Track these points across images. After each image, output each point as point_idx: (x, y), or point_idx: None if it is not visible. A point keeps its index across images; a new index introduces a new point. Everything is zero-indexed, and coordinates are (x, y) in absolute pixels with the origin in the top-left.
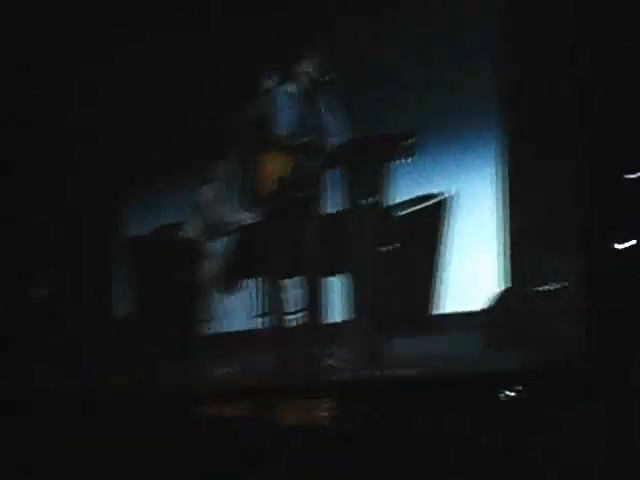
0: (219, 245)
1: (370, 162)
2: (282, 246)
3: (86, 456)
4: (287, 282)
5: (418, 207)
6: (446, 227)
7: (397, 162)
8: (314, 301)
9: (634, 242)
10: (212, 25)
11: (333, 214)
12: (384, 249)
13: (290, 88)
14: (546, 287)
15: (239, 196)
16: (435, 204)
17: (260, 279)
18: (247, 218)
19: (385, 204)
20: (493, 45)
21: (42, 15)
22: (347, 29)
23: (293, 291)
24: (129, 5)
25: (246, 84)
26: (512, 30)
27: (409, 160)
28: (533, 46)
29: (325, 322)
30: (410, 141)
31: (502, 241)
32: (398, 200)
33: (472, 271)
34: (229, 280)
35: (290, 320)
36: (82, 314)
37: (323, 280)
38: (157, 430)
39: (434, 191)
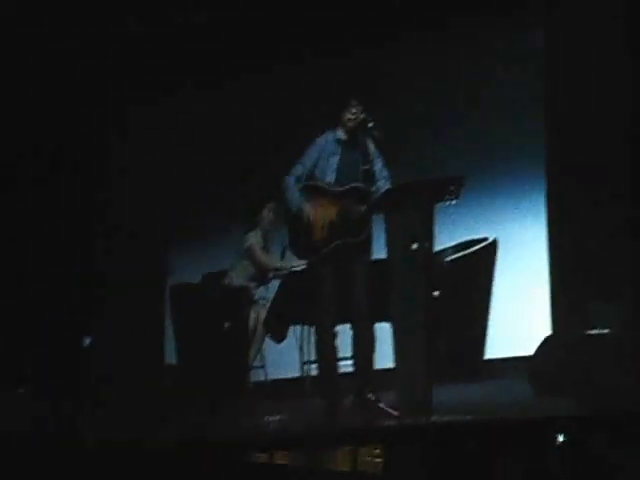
0: (267, 292)
1: (417, 207)
2: (332, 292)
3: None
4: (337, 328)
5: (466, 252)
6: (494, 272)
7: (445, 207)
8: (365, 347)
9: None
10: (260, 75)
11: (381, 260)
12: (432, 294)
13: (337, 134)
14: (596, 332)
15: (288, 242)
16: (483, 249)
17: (309, 326)
18: (296, 264)
19: (433, 249)
20: (541, 95)
21: None
22: (394, 77)
23: (343, 337)
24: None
25: (293, 131)
26: (560, 80)
27: (457, 205)
28: (581, 91)
29: (376, 368)
30: (457, 186)
31: (551, 286)
32: (446, 245)
33: (521, 316)
34: (278, 327)
35: (341, 367)
36: (132, 362)
37: (373, 326)
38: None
39: (482, 236)
